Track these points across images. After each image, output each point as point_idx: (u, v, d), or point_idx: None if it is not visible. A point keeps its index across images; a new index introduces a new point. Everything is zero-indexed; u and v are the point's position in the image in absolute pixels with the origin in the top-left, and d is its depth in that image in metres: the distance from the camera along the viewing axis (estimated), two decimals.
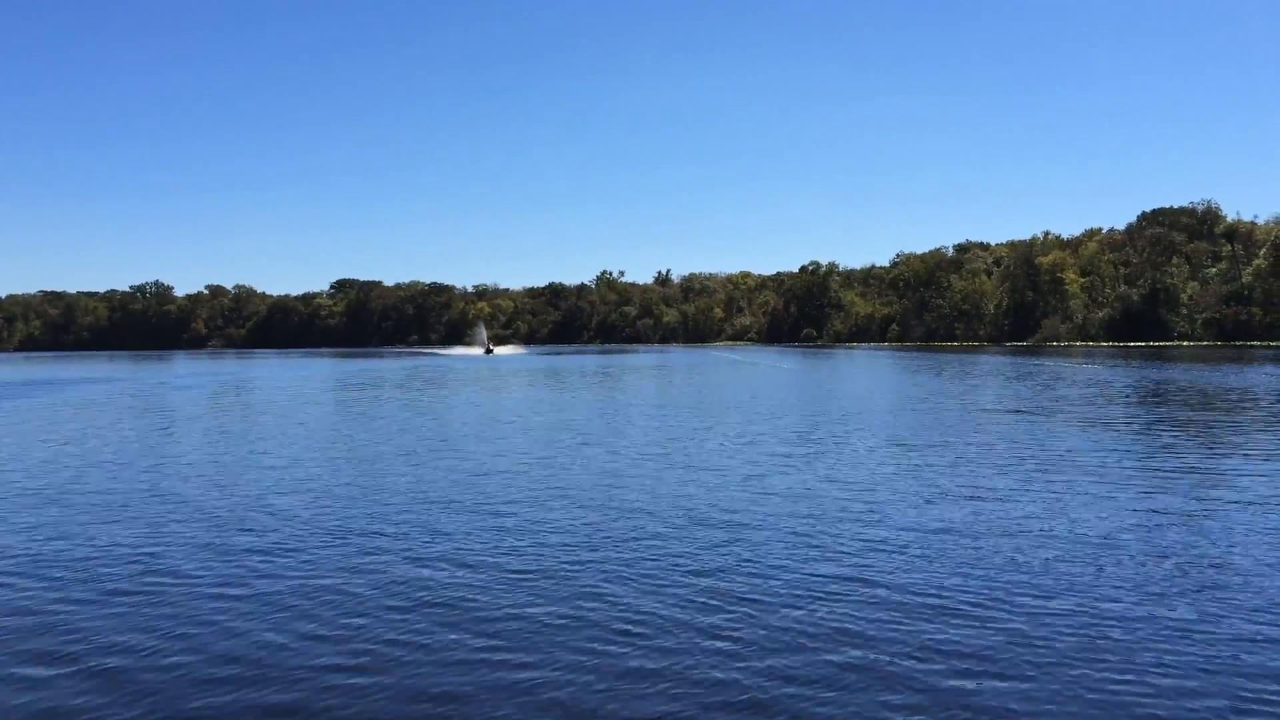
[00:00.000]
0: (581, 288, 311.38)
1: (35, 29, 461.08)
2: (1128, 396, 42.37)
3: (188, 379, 79.54)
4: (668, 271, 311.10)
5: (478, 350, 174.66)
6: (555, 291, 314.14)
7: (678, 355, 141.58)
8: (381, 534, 15.18)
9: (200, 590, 12.07)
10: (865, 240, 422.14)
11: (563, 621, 10.56)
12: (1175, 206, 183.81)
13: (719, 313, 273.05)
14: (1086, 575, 12.10)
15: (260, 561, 13.53)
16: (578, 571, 12.64)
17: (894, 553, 13.35)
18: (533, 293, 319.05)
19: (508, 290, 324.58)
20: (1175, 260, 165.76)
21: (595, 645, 9.77)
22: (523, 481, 20.26)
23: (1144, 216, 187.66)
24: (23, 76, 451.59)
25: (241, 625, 10.67)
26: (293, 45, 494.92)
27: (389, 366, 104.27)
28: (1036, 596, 11.22)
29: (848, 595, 11.38)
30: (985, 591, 11.44)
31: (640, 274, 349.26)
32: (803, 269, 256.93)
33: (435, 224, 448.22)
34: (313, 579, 12.51)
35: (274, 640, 10.15)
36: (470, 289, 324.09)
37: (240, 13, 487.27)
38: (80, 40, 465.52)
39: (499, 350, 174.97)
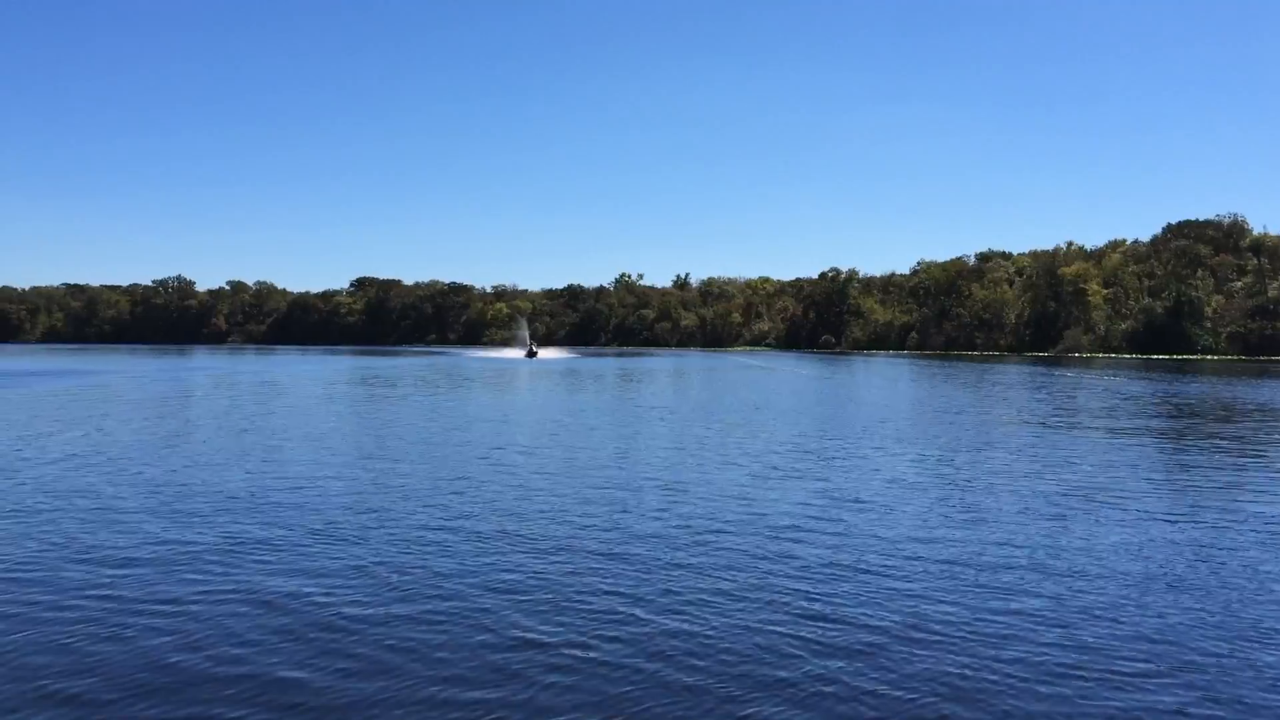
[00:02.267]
0: (600, 290, 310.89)
1: (62, 25, 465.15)
2: (1154, 410, 41.75)
3: (206, 373, 79.78)
4: (686, 275, 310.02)
5: (518, 352, 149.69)
6: (574, 293, 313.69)
7: (697, 359, 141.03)
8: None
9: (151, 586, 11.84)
10: (886, 247, 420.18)
11: (533, 631, 10.25)
12: (1201, 219, 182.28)
13: (737, 318, 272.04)
14: (1092, 601, 11.68)
15: (220, 562, 13.30)
16: (554, 582, 12.34)
17: (894, 576, 12.97)
18: (551, 294, 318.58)
19: (526, 291, 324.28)
20: (1200, 273, 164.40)
21: (563, 660, 9.45)
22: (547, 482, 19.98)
23: (1169, 228, 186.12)
24: (48, 72, 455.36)
25: (191, 628, 10.43)
26: (316, 43, 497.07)
27: (443, 366, 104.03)
28: (1038, 624, 10.82)
29: (828, 613, 11.02)
30: (984, 619, 11.04)
31: (659, 277, 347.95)
32: (822, 275, 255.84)
33: (454, 223, 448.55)
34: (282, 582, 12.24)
35: (226, 649, 9.87)
36: (489, 289, 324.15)
37: (263, 10, 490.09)
38: (106, 36, 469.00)
39: (543, 353, 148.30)
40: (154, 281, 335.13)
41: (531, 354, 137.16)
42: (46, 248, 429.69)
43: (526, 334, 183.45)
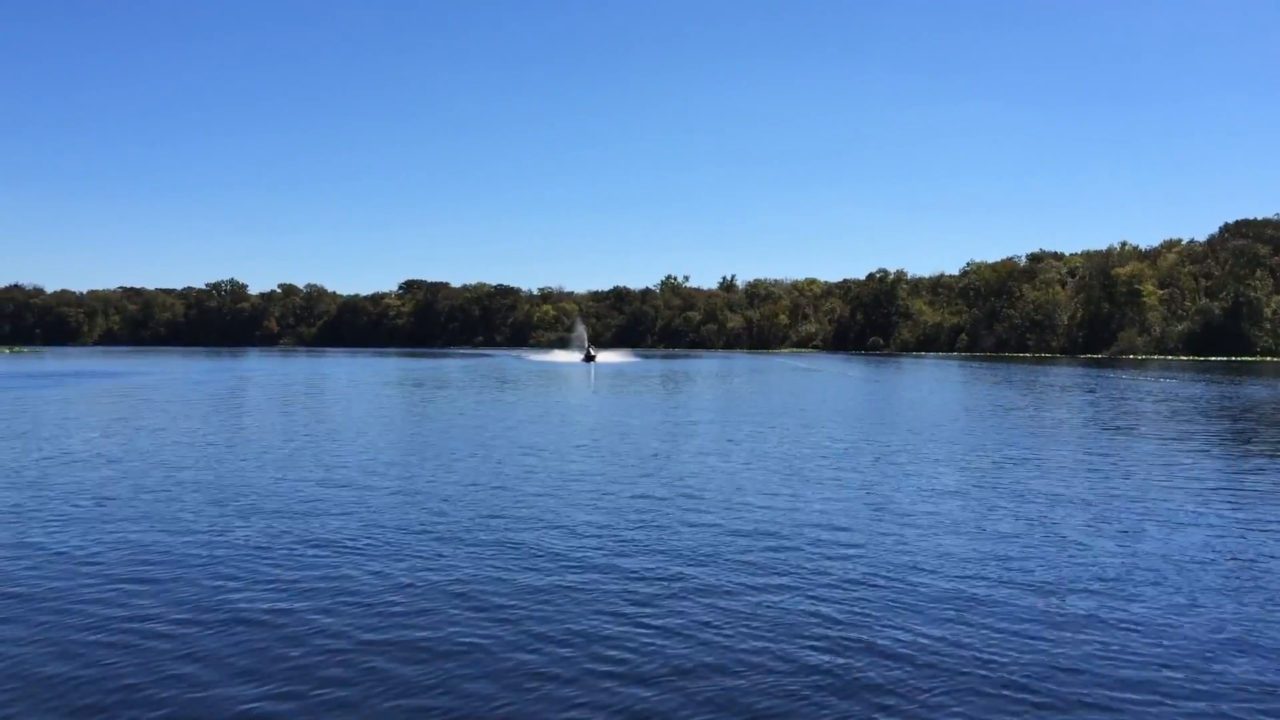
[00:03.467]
0: (646, 292, 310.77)
1: (119, 31, 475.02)
2: (1215, 413, 40.85)
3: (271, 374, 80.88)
4: (733, 277, 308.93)
5: (574, 355, 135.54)
6: (620, 295, 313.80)
7: (746, 361, 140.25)
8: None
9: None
10: (934, 248, 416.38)
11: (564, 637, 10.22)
12: (1260, 218, 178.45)
13: (784, 319, 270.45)
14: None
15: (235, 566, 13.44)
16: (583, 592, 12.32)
17: (944, 584, 12.79)
18: (597, 296, 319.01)
19: (572, 293, 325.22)
20: (1259, 273, 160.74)
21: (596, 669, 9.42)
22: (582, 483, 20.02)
23: (1226, 228, 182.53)
24: (105, 79, 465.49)
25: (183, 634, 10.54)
26: (364, 48, 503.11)
27: (512, 370, 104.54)
28: (1086, 634, 10.60)
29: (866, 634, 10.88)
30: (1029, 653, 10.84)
31: (705, 279, 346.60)
32: (870, 276, 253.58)
33: (501, 226, 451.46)
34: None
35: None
36: (535, 291, 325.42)
37: (312, 16, 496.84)
38: (161, 41, 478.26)
39: (601, 356, 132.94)
40: (207, 285, 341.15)
41: (589, 358, 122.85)
42: (103, 252, 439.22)
43: (584, 335, 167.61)
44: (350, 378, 75.11)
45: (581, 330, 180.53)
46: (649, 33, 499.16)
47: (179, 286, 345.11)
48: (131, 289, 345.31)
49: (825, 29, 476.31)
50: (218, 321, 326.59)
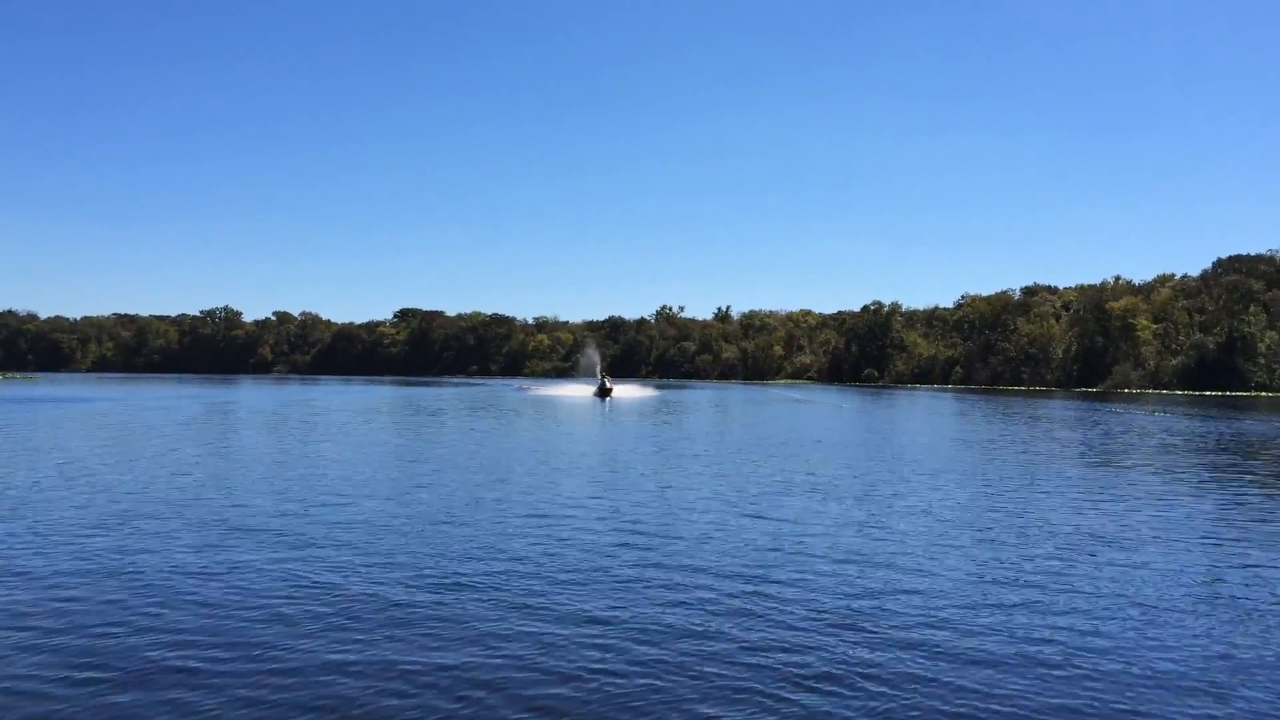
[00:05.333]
0: (641, 322, 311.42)
1: (106, 53, 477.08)
2: (1211, 448, 40.79)
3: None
4: (727, 308, 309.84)
5: (585, 387, 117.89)
6: (615, 325, 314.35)
7: (743, 392, 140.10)
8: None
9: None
10: (929, 280, 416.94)
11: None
12: (1252, 254, 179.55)
13: (779, 350, 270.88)
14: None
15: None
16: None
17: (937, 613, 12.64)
18: (592, 326, 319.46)
19: (567, 323, 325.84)
20: (1252, 308, 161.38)
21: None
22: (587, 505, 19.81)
23: (1220, 263, 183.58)
24: (100, 104, 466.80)
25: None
26: (359, 74, 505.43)
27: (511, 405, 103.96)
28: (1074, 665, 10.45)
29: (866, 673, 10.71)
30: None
31: (700, 309, 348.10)
32: (864, 308, 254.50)
33: (496, 255, 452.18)
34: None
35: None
36: (530, 320, 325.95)
37: (308, 44, 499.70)
38: (156, 67, 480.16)
39: (619, 390, 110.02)
40: (202, 312, 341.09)
41: (605, 391, 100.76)
42: (97, 278, 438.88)
43: (597, 363, 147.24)
44: (335, 405, 74.88)
45: (594, 357, 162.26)
46: (645, 63, 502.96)
47: (173, 313, 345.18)
48: (125, 315, 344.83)
49: (822, 62, 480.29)
50: (212, 349, 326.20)
